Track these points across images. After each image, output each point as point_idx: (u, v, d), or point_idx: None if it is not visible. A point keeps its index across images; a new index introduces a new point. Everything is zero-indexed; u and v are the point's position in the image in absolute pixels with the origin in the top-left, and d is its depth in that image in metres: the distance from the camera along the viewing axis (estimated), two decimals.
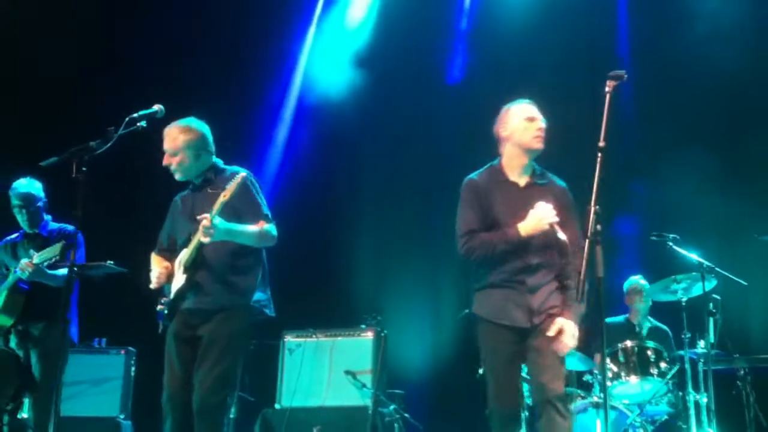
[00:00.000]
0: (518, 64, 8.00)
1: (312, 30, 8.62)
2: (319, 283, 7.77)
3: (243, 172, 4.37)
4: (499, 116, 4.29)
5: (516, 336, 3.99)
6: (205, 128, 4.44)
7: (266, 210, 4.36)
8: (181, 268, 4.25)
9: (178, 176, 4.40)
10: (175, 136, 4.34)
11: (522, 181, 4.15)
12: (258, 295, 4.36)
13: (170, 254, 4.43)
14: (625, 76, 3.40)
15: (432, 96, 8.00)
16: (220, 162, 4.48)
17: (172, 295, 4.26)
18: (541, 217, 3.92)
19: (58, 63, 7.60)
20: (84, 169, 3.82)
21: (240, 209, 4.27)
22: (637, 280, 6.67)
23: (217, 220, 4.04)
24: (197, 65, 7.98)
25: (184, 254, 4.25)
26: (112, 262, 5.90)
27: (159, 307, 4.29)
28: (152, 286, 4.31)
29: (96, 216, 4.34)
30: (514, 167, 4.17)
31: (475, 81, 8.05)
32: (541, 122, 4.21)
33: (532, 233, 3.92)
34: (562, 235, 3.96)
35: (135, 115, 4.07)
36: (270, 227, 4.29)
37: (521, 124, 4.16)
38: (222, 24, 8.15)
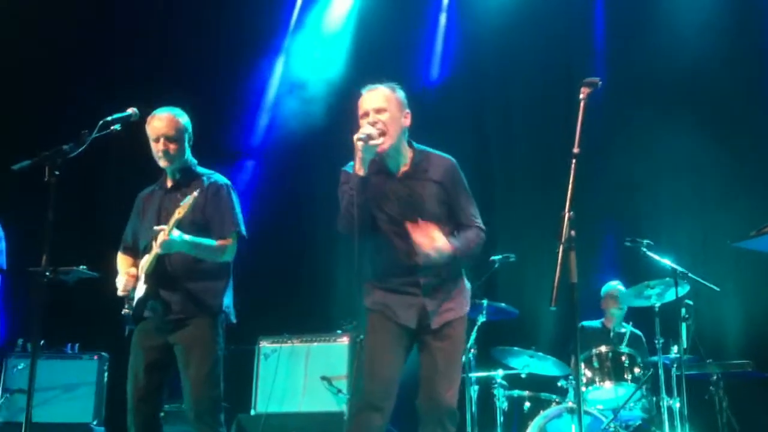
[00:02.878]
0: (495, 69, 8.04)
1: (290, 31, 8.61)
2: (295, 288, 7.75)
3: (221, 182, 4.34)
4: None
5: (404, 332, 3.80)
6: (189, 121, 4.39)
7: (238, 226, 4.28)
8: (143, 276, 4.19)
9: (167, 163, 4.27)
10: (174, 121, 4.25)
11: (398, 171, 3.87)
12: (228, 300, 4.33)
13: (135, 253, 4.38)
14: (600, 83, 3.41)
15: (409, 101, 8.01)
16: (195, 162, 4.41)
17: (135, 302, 4.20)
18: (357, 138, 3.64)
19: (29, 67, 7.54)
20: (57, 172, 3.78)
21: (210, 219, 4.23)
22: (614, 285, 6.71)
23: (176, 233, 3.98)
24: (174, 69, 7.94)
25: (146, 261, 4.18)
26: (84, 267, 5.87)
27: (124, 311, 4.23)
28: (119, 293, 4.25)
29: (68, 220, 4.29)
30: (383, 160, 3.86)
31: (453, 85, 8.08)
32: (371, 116, 3.78)
33: (362, 164, 3.64)
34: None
35: (109, 118, 4.03)
36: (232, 246, 4.24)
37: (360, 122, 3.83)
38: (198, 28, 8.11)
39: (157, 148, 4.25)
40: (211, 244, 4.17)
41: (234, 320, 4.41)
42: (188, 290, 4.19)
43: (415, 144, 3.92)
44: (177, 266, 4.18)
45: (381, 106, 3.79)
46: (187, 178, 4.32)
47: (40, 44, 7.61)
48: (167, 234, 3.95)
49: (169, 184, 4.36)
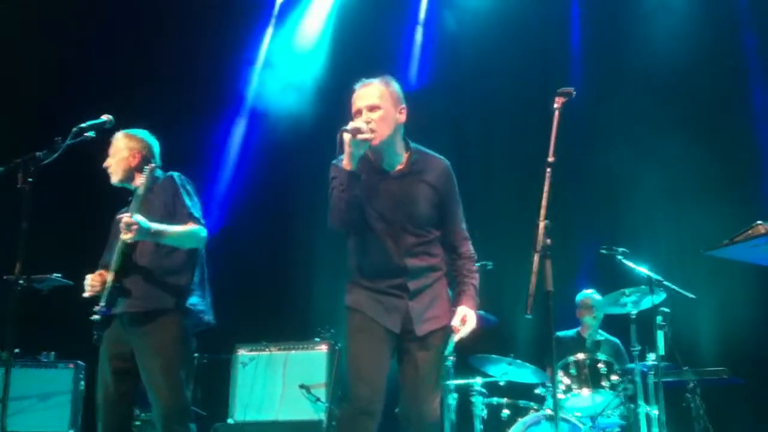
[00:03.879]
0: (472, 77, 8.08)
1: (267, 40, 8.60)
2: (273, 295, 7.73)
3: (172, 174, 4.37)
4: None
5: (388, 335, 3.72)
6: (153, 140, 4.47)
7: (196, 212, 4.29)
8: (111, 274, 4.17)
9: (112, 180, 4.41)
10: (115, 141, 4.41)
11: (393, 170, 3.80)
12: (194, 299, 4.27)
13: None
14: (574, 92, 3.44)
15: None
16: (159, 172, 4.43)
17: (103, 301, 4.15)
18: (348, 131, 3.55)
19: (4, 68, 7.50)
20: (30, 179, 3.76)
21: (167, 210, 4.23)
22: (589, 294, 6.74)
23: (139, 218, 3.98)
24: (150, 75, 7.91)
25: (113, 259, 4.18)
26: (58, 275, 5.82)
27: (93, 316, 4.18)
28: (86, 294, 4.21)
29: (42, 227, 4.26)
30: (378, 159, 3.79)
31: (430, 94, 8.10)
32: (364, 115, 3.65)
33: (351, 159, 3.56)
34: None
35: (83, 125, 4.02)
36: (198, 228, 4.23)
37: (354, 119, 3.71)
38: (176, 34, 8.09)
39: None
40: (177, 228, 4.16)
41: (211, 321, 4.37)
42: (153, 282, 4.17)
43: (411, 143, 3.82)
44: (142, 259, 4.18)
45: (374, 104, 3.65)
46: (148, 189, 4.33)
47: (16, 52, 7.56)
48: (129, 216, 3.96)
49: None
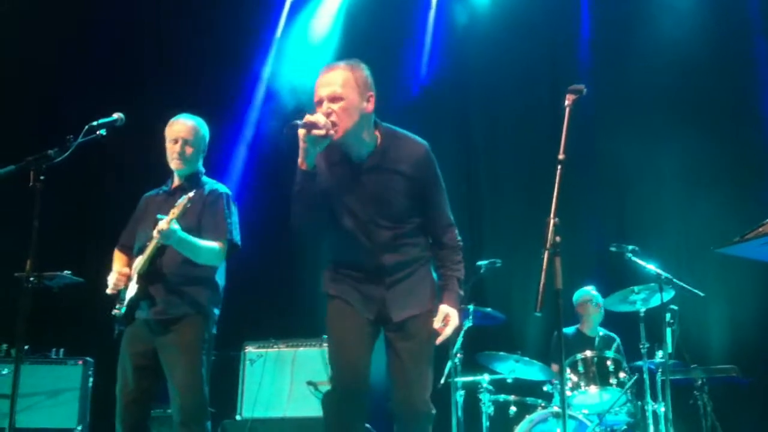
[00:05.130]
0: (482, 75, 8.07)
1: (277, 36, 8.60)
2: (281, 292, 7.74)
3: (221, 190, 4.40)
4: None
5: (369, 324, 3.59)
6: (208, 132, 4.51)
7: (232, 235, 4.30)
8: (136, 276, 4.21)
9: (180, 166, 4.36)
10: (195, 128, 4.39)
11: (364, 161, 3.53)
12: (217, 310, 4.35)
13: (130, 251, 4.40)
14: (585, 90, 3.43)
15: (396, 106, 8.03)
16: (203, 172, 4.47)
17: (126, 302, 4.21)
18: (301, 129, 3.29)
19: (14, 69, 7.51)
20: (42, 177, 3.76)
21: (205, 224, 4.26)
22: (588, 291, 6.74)
23: (176, 226, 4.00)
24: (162, 71, 7.93)
25: (139, 261, 4.21)
26: (69, 272, 5.84)
27: (114, 311, 4.23)
28: (108, 291, 4.25)
29: (53, 225, 4.28)
30: (346, 150, 3.53)
31: (439, 91, 8.10)
32: (325, 106, 3.34)
33: (306, 156, 3.35)
34: None
35: (94, 123, 4.02)
36: (221, 251, 4.25)
37: (316, 108, 3.42)
38: (186, 30, 8.10)
39: (173, 149, 4.36)
40: (201, 243, 4.18)
41: (214, 332, 4.40)
42: (178, 292, 4.20)
43: (384, 125, 3.52)
44: (169, 268, 4.20)
45: (336, 93, 3.33)
46: (191, 184, 4.36)
47: (24, 50, 7.57)
48: (168, 223, 3.96)
49: (175, 186, 4.41)
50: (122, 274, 4.26)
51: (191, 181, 4.39)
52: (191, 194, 4.04)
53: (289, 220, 3.51)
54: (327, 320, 3.65)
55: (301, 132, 3.27)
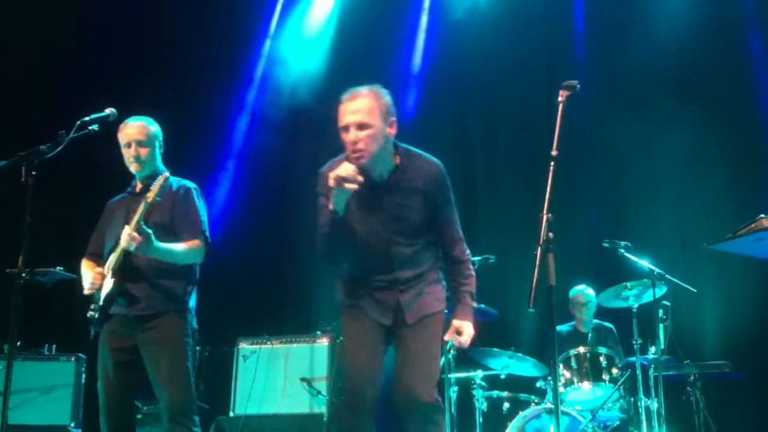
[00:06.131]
0: (477, 70, 8.06)
1: (271, 31, 8.58)
2: (274, 289, 7.73)
3: (189, 185, 4.39)
4: None
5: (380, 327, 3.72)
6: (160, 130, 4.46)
7: (206, 228, 4.31)
8: (110, 272, 4.19)
9: (138, 168, 4.33)
10: (145, 128, 4.34)
11: (382, 180, 3.68)
12: (193, 302, 4.33)
13: (99, 259, 4.37)
14: (578, 86, 3.43)
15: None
16: (164, 169, 4.42)
17: (101, 301, 4.18)
18: (332, 177, 3.42)
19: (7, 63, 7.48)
20: (34, 173, 3.75)
21: (180, 221, 4.25)
22: (582, 290, 6.75)
23: (146, 236, 3.98)
24: (152, 70, 7.90)
25: (112, 259, 4.19)
26: (61, 268, 5.82)
27: (89, 313, 4.20)
28: (86, 291, 4.24)
29: (45, 221, 4.26)
30: (367, 170, 3.63)
31: (434, 87, 8.10)
32: (352, 133, 3.53)
33: (336, 201, 3.48)
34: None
35: (86, 118, 4.00)
36: (201, 248, 4.26)
37: (342, 133, 3.60)
38: (178, 26, 8.07)
39: (128, 154, 4.33)
40: (178, 247, 4.18)
41: (195, 326, 4.39)
42: (155, 286, 4.19)
43: (400, 145, 3.71)
44: (143, 262, 4.17)
45: (363, 121, 3.51)
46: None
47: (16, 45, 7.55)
48: (132, 228, 3.96)
49: (138, 188, 4.38)
50: (98, 273, 4.25)
51: (153, 180, 4.34)
52: (157, 184, 4.04)
53: (315, 249, 3.69)
54: (341, 328, 3.83)
55: (332, 182, 3.44)
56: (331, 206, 3.50)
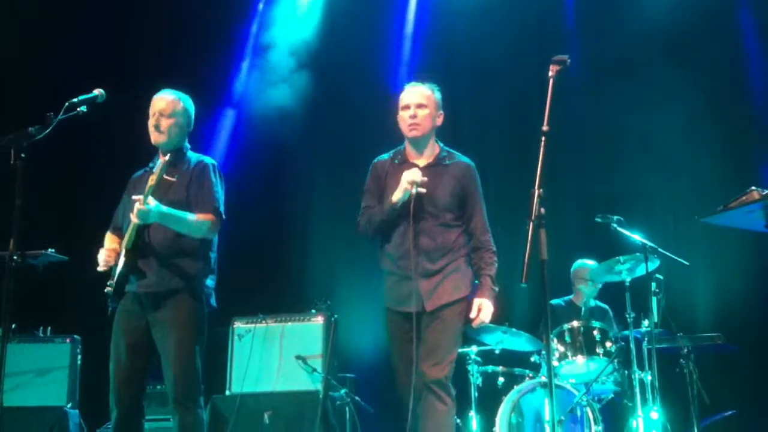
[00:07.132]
0: (468, 45, 8.03)
1: (254, 30, 8.52)
2: (269, 268, 7.73)
3: (207, 161, 4.39)
4: None
5: (409, 322, 4.12)
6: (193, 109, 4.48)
7: (219, 204, 4.31)
8: (123, 251, 4.19)
9: (158, 138, 4.33)
10: (173, 100, 4.36)
11: (422, 162, 4.29)
12: (210, 281, 4.33)
13: (121, 233, 4.37)
14: (569, 60, 3.42)
15: (384, 82, 8.01)
16: (188, 147, 4.44)
17: (116, 277, 4.20)
18: (406, 179, 4.07)
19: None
20: (23, 155, 3.72)
21: (194, 196, 4.24)
22: (585, 263, 6.76)
23: (152, 203, 3.99)
24: (138, 60, 7.83)
25: (126, 236, 4.19)
26: (53, 250, 5.80)
27: (107, 288, 4.22)
28: (99, 268, 4.25)
29: (36, 203, 4.25)
30: (413, 150, 4.34)
31: (424, 64, 8.06)
32: (412, 110, 4.28)
33: (401, 198, 4.08)
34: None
35: (75, 100, 3.97)
36: (213, 223, 4.26)
37: (400, 113, 4.33)
38: (161, 21, 8.00)
39: (150, 123, 4.33)
40: (189, 216, 4.17)
41: (214, 305, 4.41)
42: (166, 263, 4.18)
43: (441, 144, 4.36)
44: (157, 241, 4.18)
45: (422, 103, 4.25)
46: (176, 160, 4.32)
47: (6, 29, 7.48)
48: (143, 203, 3.95)
49: (162, 159, 4.35)
50: (110, 250, 4.26)
51: (177, 156, 4.35)
52: (166, 158, 4.08)
53: (360, 226, 4.36)
54: (387, 336, 4.33)
55: (408, 185, 4.08)
56: (394, 199, 4.09)
